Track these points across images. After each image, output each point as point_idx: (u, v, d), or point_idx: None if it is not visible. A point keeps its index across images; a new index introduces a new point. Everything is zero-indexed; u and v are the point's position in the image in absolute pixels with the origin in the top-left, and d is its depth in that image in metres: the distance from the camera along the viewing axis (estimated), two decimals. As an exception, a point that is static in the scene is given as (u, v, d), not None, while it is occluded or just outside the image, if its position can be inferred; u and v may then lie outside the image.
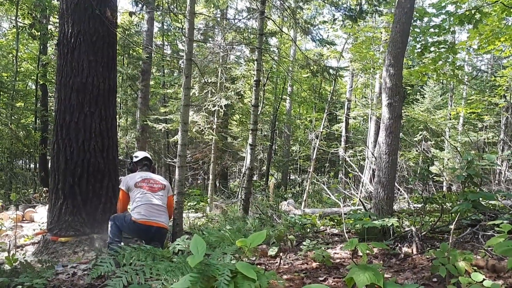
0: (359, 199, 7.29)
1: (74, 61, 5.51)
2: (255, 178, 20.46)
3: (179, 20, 7.20)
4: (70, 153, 5.46)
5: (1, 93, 15.27)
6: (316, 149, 12.48)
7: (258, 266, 4.04)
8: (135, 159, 4.90)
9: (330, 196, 8.89)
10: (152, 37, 16.22)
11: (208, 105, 12.39)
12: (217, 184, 18.21)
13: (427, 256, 4.02)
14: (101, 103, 5.65)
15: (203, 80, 12.45)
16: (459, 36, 20.17)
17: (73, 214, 5.41)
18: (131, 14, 6.74)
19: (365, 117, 20.41)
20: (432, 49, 7.82)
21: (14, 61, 15.73)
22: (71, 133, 5.48)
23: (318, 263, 4.10)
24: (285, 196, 14.20)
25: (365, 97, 20.91)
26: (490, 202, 5.78)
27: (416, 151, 11.71)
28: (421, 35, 7.70)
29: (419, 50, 7.80)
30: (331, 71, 9.85)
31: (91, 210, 5.52)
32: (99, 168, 5.58)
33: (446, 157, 14.31)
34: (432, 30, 7.52)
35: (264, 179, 19.54)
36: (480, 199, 4.37)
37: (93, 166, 5.54)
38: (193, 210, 11.25)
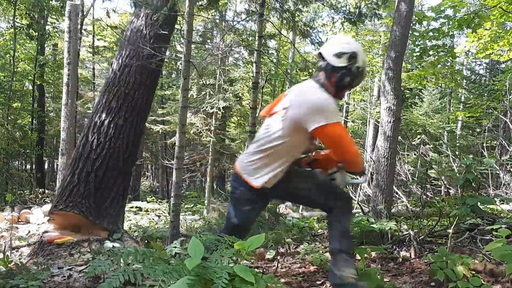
0: (357, 203, 7.27)
1: (123, 75, 6.25)
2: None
3: (178, 22, 7.27)
4: (96, 145, 5.89)
5: (-2, 93, 15.23)
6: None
7: (256, 269, 4.01)
8: (355, 65, 2.62)
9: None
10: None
11: (206, 107, 12.38)
12: (215, 186, 18.17)
13: (425, 260, 4.00)
14: (136, 113, 6.25)
15: (201, 82, 12.44)
16: (458, 40, 20.23)
17: (82, 197, 5.66)
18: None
19: (363, 120, 20.43)
20: (431, 52, 7.84)
21: (11, 61, 15.69)
22: (103, 129, 6.00)
23: (316, 267, 4.08)
24: (282, 198, 14.14)
25: (363, 101, 20.94)
26: (488, 206, 5.77)
27: (415, 154, 11.73)
28: (420, 39, 7.71)
29: (418, 53, 7.82)
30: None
31: (99, 200, 5.75)
32: (117, 166, 5.96)
33: (445, 161, 14.32)
34: (431, 33, 7.54)
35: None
36: (479, 203, 4.36)
37: (112, 162, 5.92)
38: (190, 213, 11.22)
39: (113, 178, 5.88)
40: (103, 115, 6.07)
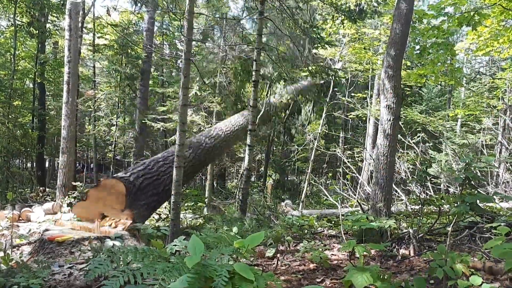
0: (357, 201, 7.28)
1: (199, 151, 8.24)
2: (252, 178, 20.42)
3: (178, 19, 7.37)
4: (153, 166, 7.23)
5: (-1, 91, 15.23)
6: (314, 150, 12.47)
7: (256, 267, 4.03)
8: None
9: (327, 197, 8.89)
10: (153, 37, 16.19)
11: (207, 105, 12.37)
12: (215, 185, 18.17)
13: (424, 258, 4.02)
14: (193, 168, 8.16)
15: (203, 81, 12.43)
16: (458, 37, 20.18)
17: (128, 182, 6.57)
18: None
19: (363, 118, 20.40)
20: (430, 51, 7.82)
21: (12, 59, 15.68)
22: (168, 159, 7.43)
23: (315, 265, 4.09)
24: (282, 197, 14.18)
25: (364, 98, 20.90)
26: (487, 204, 5.79)
27: (414, 153, 11.73)
28: (420, 37, 7.70)
29: (418, 51, 7.80)
30: (329, 71, 9.84)
31: (138, 197, 6.71)
32: (158, 190, 7.04)
33: (444, 159, 14.32)
34: (431, 31, 7.52)
35: (262, 180, 19.51)
36: (478, 201, 4.37)
37: (157, 182, 7.07)
38: (191, 211, 11.22)
39: (151, 191, 6.98)
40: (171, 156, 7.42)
